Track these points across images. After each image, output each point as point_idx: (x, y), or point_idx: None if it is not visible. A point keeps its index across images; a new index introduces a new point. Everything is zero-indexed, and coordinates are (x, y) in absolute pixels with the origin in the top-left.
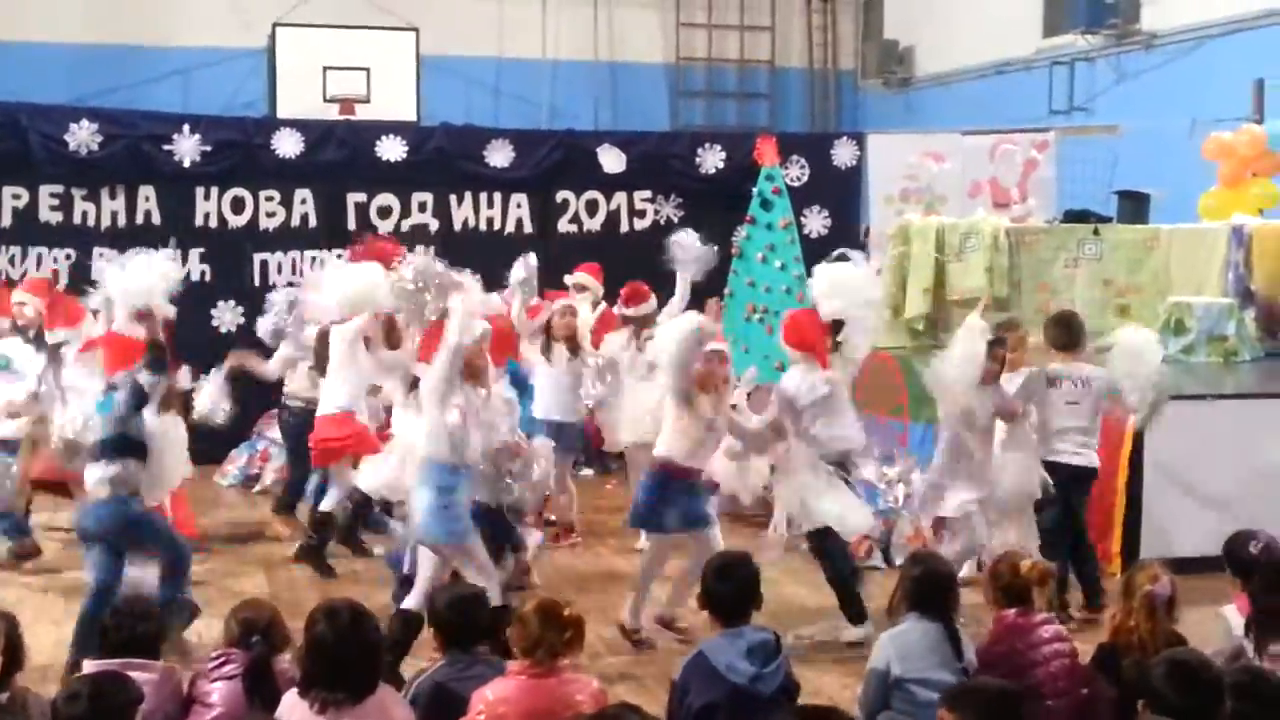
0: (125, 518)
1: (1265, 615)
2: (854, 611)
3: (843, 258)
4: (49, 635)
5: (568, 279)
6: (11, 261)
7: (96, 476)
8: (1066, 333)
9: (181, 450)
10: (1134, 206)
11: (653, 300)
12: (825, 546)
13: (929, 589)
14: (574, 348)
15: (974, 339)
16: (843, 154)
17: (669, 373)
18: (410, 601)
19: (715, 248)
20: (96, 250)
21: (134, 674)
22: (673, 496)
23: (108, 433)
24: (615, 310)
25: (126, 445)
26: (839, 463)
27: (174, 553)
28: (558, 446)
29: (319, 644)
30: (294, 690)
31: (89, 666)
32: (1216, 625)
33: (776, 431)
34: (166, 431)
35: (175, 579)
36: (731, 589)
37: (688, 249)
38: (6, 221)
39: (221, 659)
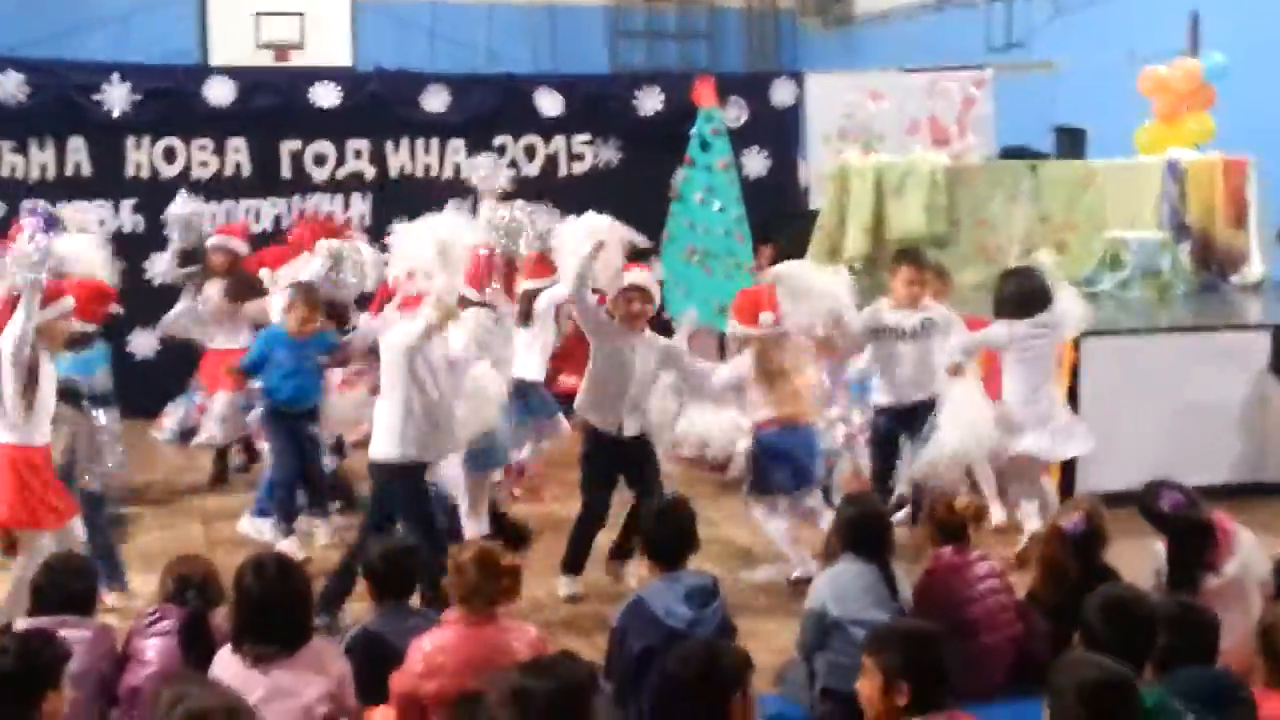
0: None
1: (1177, 569)
2: None
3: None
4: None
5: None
6: None
7: None
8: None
9: None
10: (1071, 142)
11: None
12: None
13: (864, 530)
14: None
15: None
16: (782, 94)
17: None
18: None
19: None
20: (26, 202)
21: (68, 631)
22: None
23: None
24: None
25: None
26: None
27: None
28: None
29: (247, 596)
30: (227, 646)
31: (20, 624)
32: (1147, 559)
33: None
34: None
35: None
36: (670, 533)
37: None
38: None
39: (157, 615)
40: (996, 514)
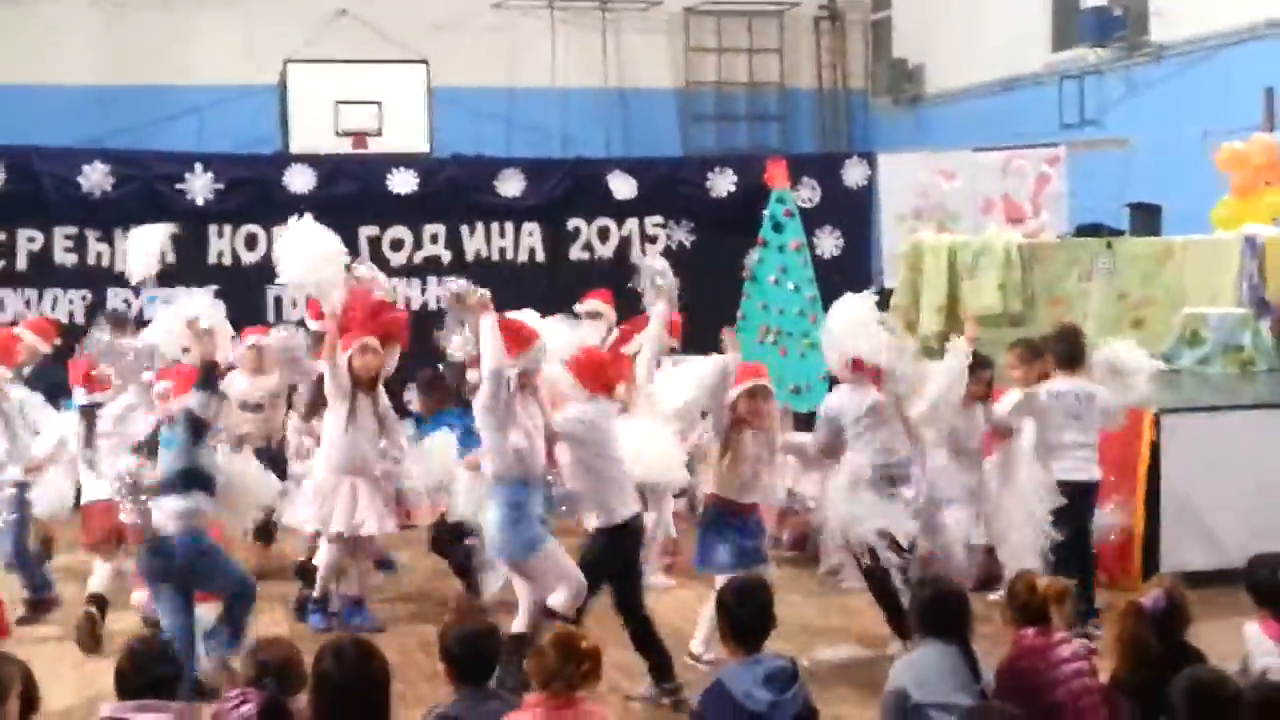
0: (196, 552)
1: None
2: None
3: None
4: (70, 678)
5: (578, 307)
6: (28, 304)
7: (167, 510)
8: (1067, 347)
9: (253, 480)
10: (1146, 219)
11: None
12: (873, 565)
13: (941, 611)
14: None
15: (958, 360)
16: (854, 174)
17: (712, 414)
18: (518, 625)
19: None
20: (111, 291)
21: (149, 715)
22: (726, 533)
23: (174, 467)
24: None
25: (194, 478)
26: (887, 478)
27: (240, 589)
28: None
29: (325, 681)
30: None
31: (105, 710)
32: (1239, 640)
33: (825, 452)
34: (232, 462)
35: (235, 619)
36: (749, 614)
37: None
38: (22, 264)
39: (240, 699)
40: None
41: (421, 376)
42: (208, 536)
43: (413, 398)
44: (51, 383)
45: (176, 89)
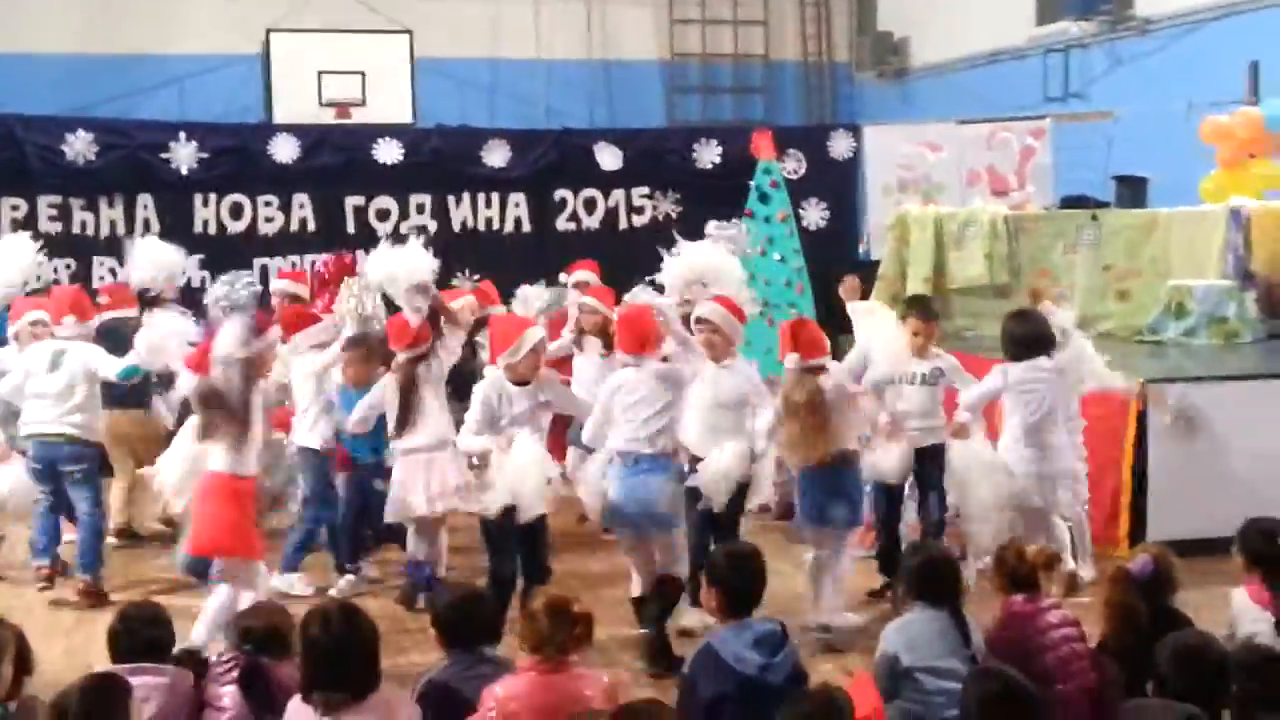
0: None
1: None
2: None
3: None
4: (59, 645)
5: (564, 276)
6: None
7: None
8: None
9: None
10: (1132, 191)
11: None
12: None
13: (932, 577)
14: (609, 343)
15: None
16: (839, 146)
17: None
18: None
19: None
20: (96, 259)
21: (145, 678)
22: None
23: None
24: None
25: None
26: None
27: None
28: None
29: (313, 647)
30: (298, 696)
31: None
32: (1226, 607)
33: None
34: None
35: None
36: (742, 581)
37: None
38: (6, 233)
39: (230, 662)
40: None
41: (351, 343)
42: None
43: None
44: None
45: (158, 58)
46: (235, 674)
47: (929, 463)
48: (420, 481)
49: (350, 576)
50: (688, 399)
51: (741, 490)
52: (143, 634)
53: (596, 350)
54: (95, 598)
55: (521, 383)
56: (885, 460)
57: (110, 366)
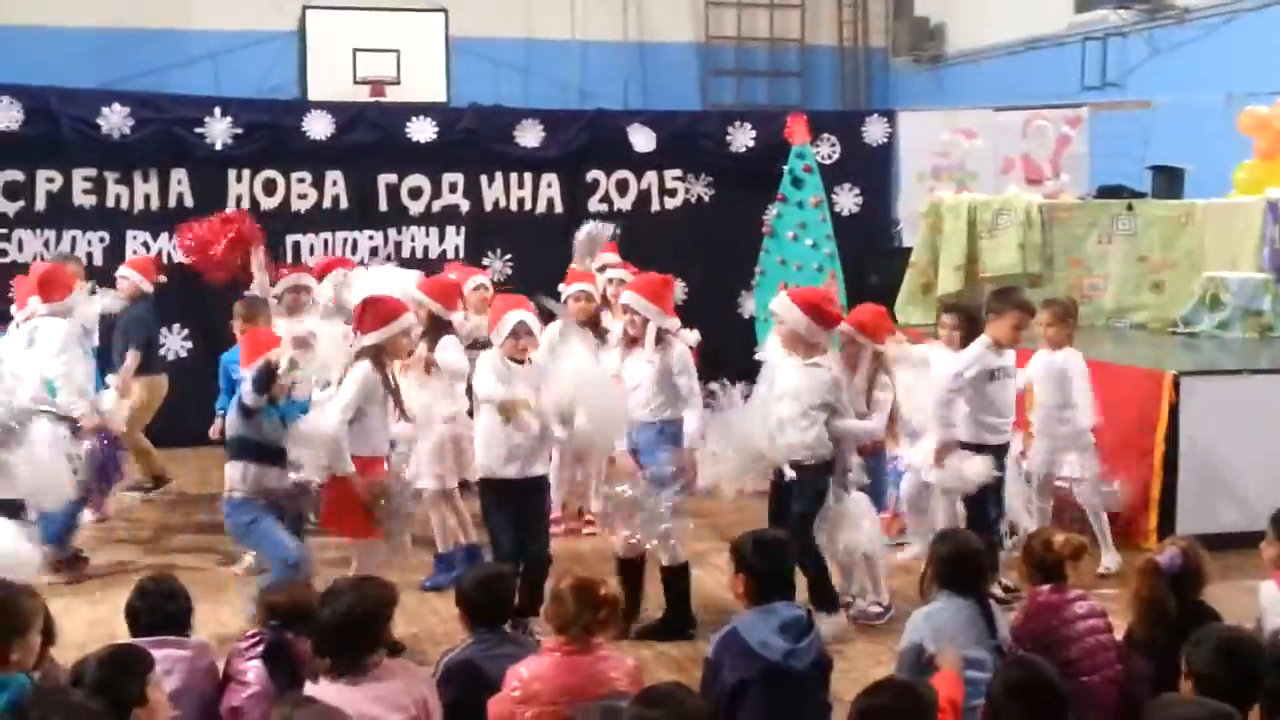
0: None
1: None
2: None
3: None
4: (83, 614)
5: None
6: (46, 245)
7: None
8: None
9: None
10: (1168, 181)
11: None
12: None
13: (959, 566)
14: (599, 332)
15: None
16: (874, 131)
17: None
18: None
19: None
20: (130, 233)
21: (167, 651)
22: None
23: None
24: None
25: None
26: None
27: None
28: None
29: (319, 621)
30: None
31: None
32: (1253, 599)
33: None
34: None
35: None
36: (770, 567)
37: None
38: (41, 205)
39: (256, 638)
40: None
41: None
42: None
43: None
44: (144, 321)
45: (194, 33)
46: (260, 649)
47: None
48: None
49: None
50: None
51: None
52: (162, 608)
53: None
54: (68, 568)
55: (516, 361)
56: (970, 469)
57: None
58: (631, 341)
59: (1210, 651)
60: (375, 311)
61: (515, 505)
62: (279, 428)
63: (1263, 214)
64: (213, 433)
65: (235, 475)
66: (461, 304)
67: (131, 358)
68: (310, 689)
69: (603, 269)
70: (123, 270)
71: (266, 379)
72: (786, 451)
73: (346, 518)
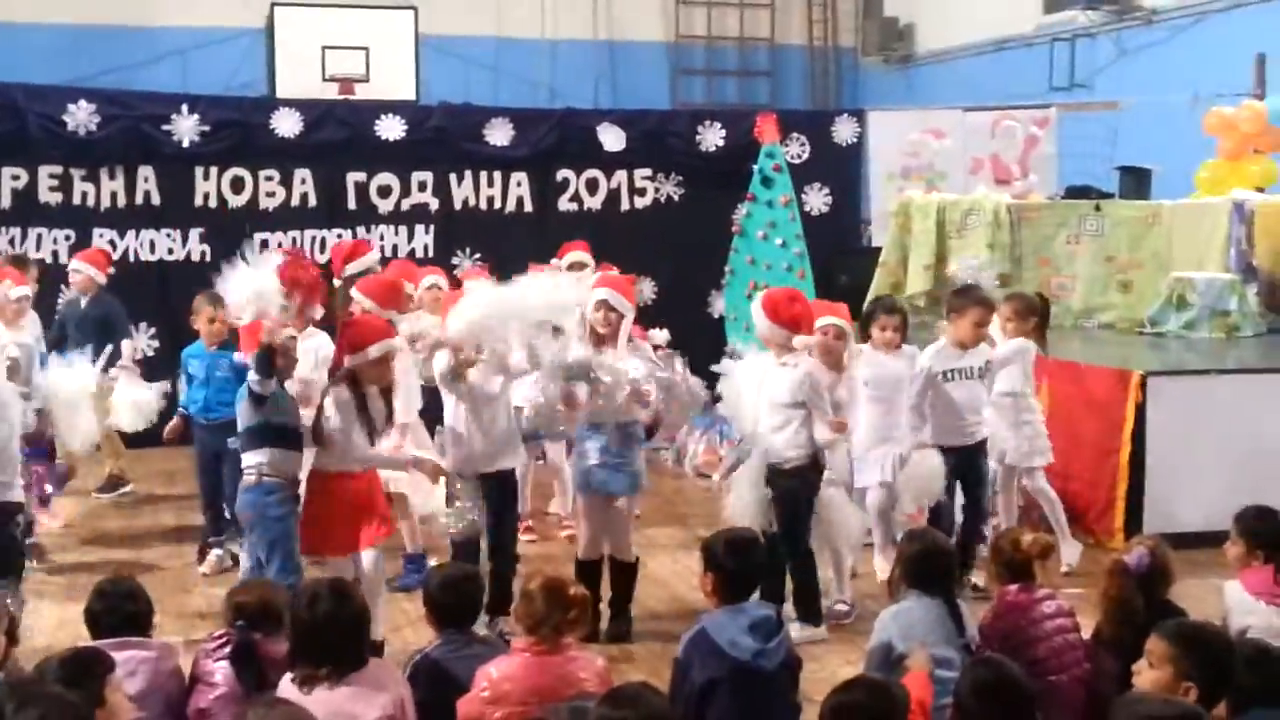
0: None
1: None
2: None
3: None
4: (51, 615)
5: (556, 261)
6: (11, 243)
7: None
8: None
9: None
10: (1135, 182)
11: None
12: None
13: (928, 565)
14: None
15: None
16: (843, 131)
17: None
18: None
19: None
20: (96, 231)
21: (130, 652)
22: None
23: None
24: None
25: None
26: None
27: None
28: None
29: (301, 624)
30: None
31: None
32: (1218, 598)
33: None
34: None
35: None
36: (741, 567)
37: None
38: (6, 202)
39: (223, 638)
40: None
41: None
42: None
43: None
44: (105, 315)
45: (161, 29)
46: (227, 650)
47: (980, 458)
48: None
49: None
50: None
51: None
52: (121, 609)
53: None
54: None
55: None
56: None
57: None
58: (600, 340)
59: (1182, 640)
60: (350, 335)
61: (488, 501)
62: (293, 410)
63: (1229, 215)
64: (168, 433)
65: (261, 460)
66: (414, 303)
67: (128, 348)
68: (286, 690)
69: (573, 267)
70: (75, 264)
71: (269, 361)
72: (768, 455)
73: (332, 533)
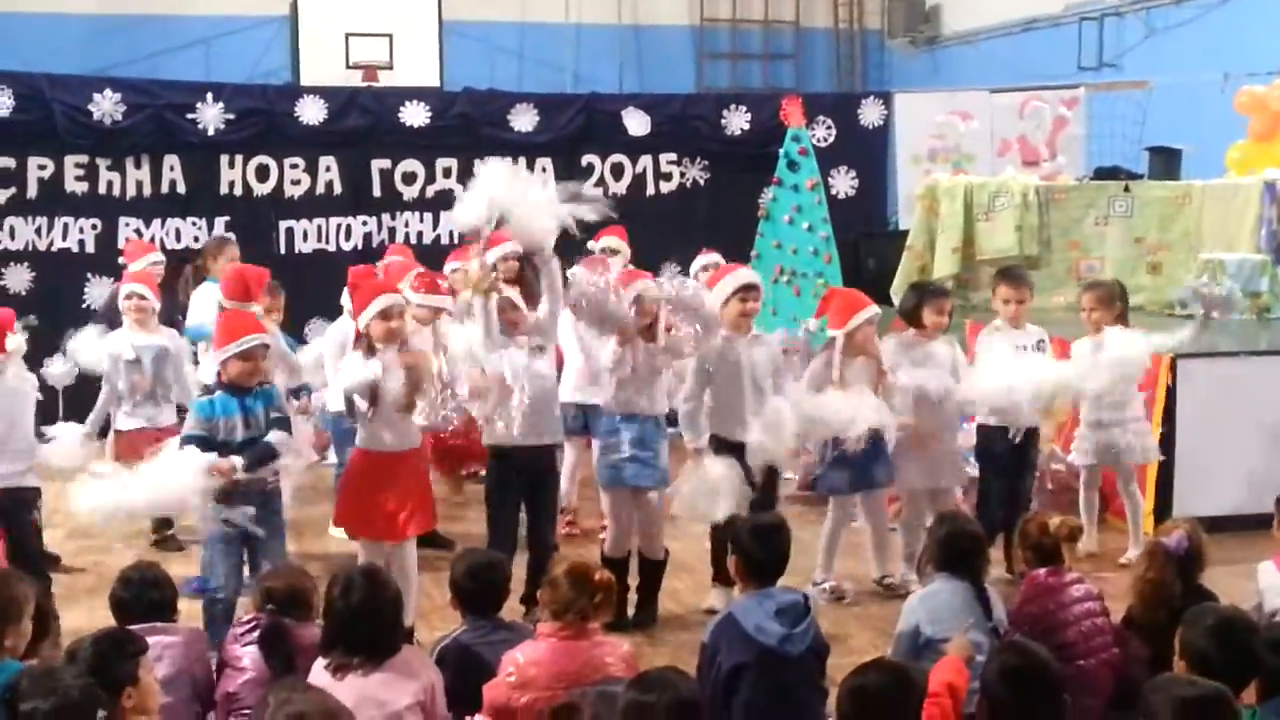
0: None
1: None
2: None
3: None
4: (82, 605)
5: (592, 244)
6: (38, 232)
7: None
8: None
9: None
10: (1165, 163)
11: None
12: None
13: (956, 549)
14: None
15: None
16: (870, 114)
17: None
18: None
19: None
20: (123, 220)
21: (158, 637)
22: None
23: None
24: None
25: None
26: None
27: None
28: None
29: (336, 612)
30: (321, 659)
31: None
32: (1250, 583)
33: None
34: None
35: None
36: (767, 553)
37: None
38: (33, 192)
39: (251, 623)
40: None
41: None
42: None
43: None
44: None
45: (185, 18)
46: (256, 634)
47: (1030, 444)
48: None
49: None
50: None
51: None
52: (147, 596)
53: None
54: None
55: None
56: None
57: None
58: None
59: (1202, 632)
60: (357, 295)
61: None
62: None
63: (1260, 195)
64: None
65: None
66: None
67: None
68: (318, 675)
69: (611, 251)
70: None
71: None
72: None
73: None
